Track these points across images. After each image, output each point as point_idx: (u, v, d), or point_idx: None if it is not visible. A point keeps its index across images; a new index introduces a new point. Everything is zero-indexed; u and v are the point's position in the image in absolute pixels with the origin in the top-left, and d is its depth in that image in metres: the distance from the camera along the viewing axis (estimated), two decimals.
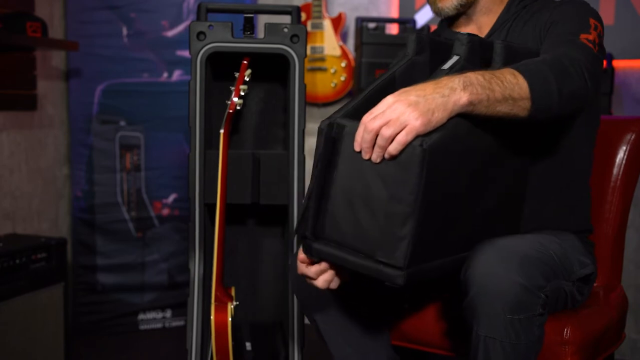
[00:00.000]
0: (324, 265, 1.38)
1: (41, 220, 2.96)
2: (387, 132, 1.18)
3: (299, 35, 2.18)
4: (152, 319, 3.13)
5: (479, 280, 1.28)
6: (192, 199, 2.20)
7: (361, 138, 1.21)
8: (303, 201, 1.33)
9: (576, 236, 1.59)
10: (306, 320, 1.84)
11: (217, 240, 2.08)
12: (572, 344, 1.43)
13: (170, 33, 3.07)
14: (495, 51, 1.38)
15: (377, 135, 1.19)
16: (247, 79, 2.12)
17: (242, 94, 2.11)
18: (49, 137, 3.00)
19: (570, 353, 1.43)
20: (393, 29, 3.22)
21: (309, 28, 3.10)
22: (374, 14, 3.23)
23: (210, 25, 2.17)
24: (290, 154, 2.21)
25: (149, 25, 3.04)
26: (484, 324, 1.29)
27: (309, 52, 3.06)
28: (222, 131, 2.09)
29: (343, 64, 3.12)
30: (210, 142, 2.23)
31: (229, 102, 2.10)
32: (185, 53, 2.99)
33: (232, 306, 2.07)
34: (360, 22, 3.08)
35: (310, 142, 2.47)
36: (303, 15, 3.07)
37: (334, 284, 1.40)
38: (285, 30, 2.18)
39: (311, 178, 1.30)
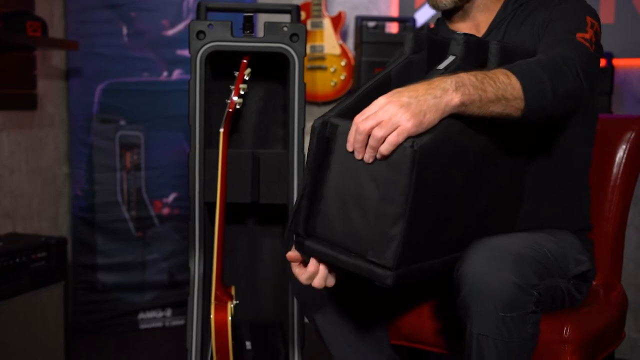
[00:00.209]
0: (313, 267, 1.37)
1: (41, 220, 2.96)
2: (379, 133, 1.18)
3: (299, 34, 2.18)
4: (152, 318, 3.13)
5: (471, 278, 1.28)
6: (192, 198, 2.20)
7: (353, 138, 1.22)
8: (296, 199, 1.33)
9: (574, 234, 1.59)
10: (306, 320, 1.84)
11: (217, 240, 2.08)
12: (571, 343, 1.43)
13: (170, 32, 3.07)
14: (490, 52, 1.38)
15: (369, 136, 1.20)
16: (247, 78, 2.12)
17: (242, 93, 2.11)
18: (49, 136, 3.00)
19: (570, 352, 1.43)
20: (393, 28, 3.22)
21: (308, 27, 3.10)
22: (374, 12, 3.23)
23: (210, 25, 2.17)
24: (290, 153, 2.21)
25: (149, 25, 3.04)
26: (476, 322, 1.29)
27: (308, 51, 3.06)
28: (221, 130, 2.09)
29: (343, 63, 3.12)
30: (210, 141, 2.23)
31: (229, 101, 2.10)
32: (185, 52, 2.99)
33: (232, 305, 2.07)
34: (360, 20, 3.08)
35: None
36: (303, 14, 3.07)
37: (330, 282, 1.39)
38: (285, 29, 2.18)
39: (304, 176, 1.30)
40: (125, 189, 3.08)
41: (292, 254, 1.39)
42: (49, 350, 2.46)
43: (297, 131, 2.21)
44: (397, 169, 1.19)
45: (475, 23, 1.66)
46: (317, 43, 3.11)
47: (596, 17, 1.53)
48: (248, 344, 2.35)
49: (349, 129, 1.23)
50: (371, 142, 1.19)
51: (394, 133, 1.18)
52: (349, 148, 1.23)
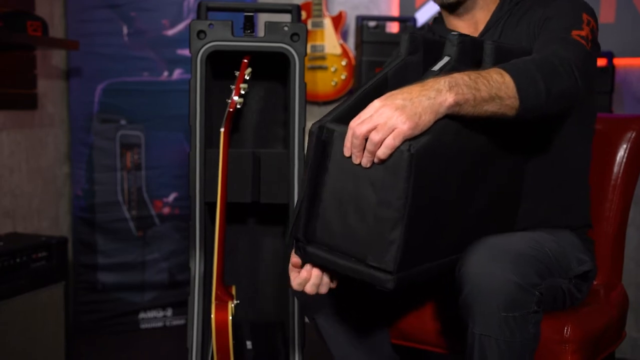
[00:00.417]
0: (306, 273, 1.37)
1: (41, 219, 2.96)
2: (376, 137, 1.18)
3: (299, 34, 2.18)
4: (152, 318, 3.13)
5: (473, 278, 1.28)
6: (193, 198, 2.20)
7: (350, 143, 1.22)
8: (295, 204, 1.33)
9: (574, 233, 1.59)
10: (306, 320, 1.84)
11: (218, 239, 2.08)
12: (572, 343, 1.43)
13: (171, 32, 3.06)
14: (485, 52, 1.37)
15: (365, 140, 1.20)
16: (248, 78, 2.12)
17: (243, 92, 2.11)
18: (49, 136, 3.00)
19: (570, 351, 1.43)
20: (393, 28, 3.22)
21: (309, 26, 3.10)
22: (375, 12, 3.23)
23: (210, 24, 2.17)
24: (291, 152, 2.21)
25: (150, 24, 3.04)
26: (478, 322, 1.29)
27: (309, 50, 3.06)
28: (222, 130, 2.09)
29: (343, 63, 3.12)
30: (210, 141, 2.23)
31: (229, 101, 2.10)
32: (186, 52, 2.99)
33: (233, 305, 2.07)
34: (361, 20, 3.08)
35: None
36: (303, 14, 3.07)
37: (323, 289, 1.39)
38: (286, 28, 2.18)
39: (302, 181, 1.30)
40: (126, 188, 3.08)
41: (295, 260, 1.38)
42: (50, 350, 2.46)
43: (297, 131, 2.21)
44: (394, 173, 1.19)
45: (474, 21, 1.66)
46: (318, 43, 3.11)
47: (592, 13, 1.52)
48: (249, 344, 2.35)
49: (345, 133, 1.23)
50: (369, 146, 1.19)
51: (390, 136, 1.17)
52: (346, 153, 1.23)
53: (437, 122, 1.21)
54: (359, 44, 3.09)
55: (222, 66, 2.24)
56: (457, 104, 1.22)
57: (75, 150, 3.04)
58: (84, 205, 3.04)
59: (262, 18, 3.14)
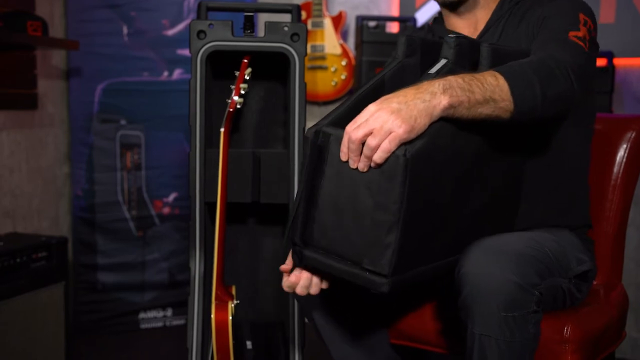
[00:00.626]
0: (295, 278, 1.39)
1: (41, 219, 2.96)
2: (372, 141, 1.18)
3: (300, 34, 2.18)
4: (152, 318, 3.13)
5: (473, 279, 1.28)
6: (193, 198, 2.20)
7: (347, 148, 1.22)
8: (291, 209, 1.33)
9: (574, 233, 1.59)
10: (306, 320, 1.84)
11: (218, 239, 2.08)
12: (572, 343, 1.43)
13: (171, 32, 3.06)
14: (481, 54, 1.37)
15: (362, 144, 1.20)
16: (248, 78, 2.12)
17: (243, 92, 2.11)
18: (49, 136, 3.00)
19: (570, 351, 1.43)
20: (393, 28, 3.22)
21: (309, 26, 3.10)
22: (375, 12, 3.23)
23: (210, 24, 2.17)
24: (291, 152, 2.21)
25: (150, 24, 3.04)
26: (478, 322, 1.29)
27: (309, 50, 3.06)
28: (222, 130, 2.09)
29: (343, 63, 3.12)
30: (210, 141, 2.23)
31: (229, 101, 2.10)
32: (186, 52, 2.99)
33: (233, 305, 2.07)
34: (361, 20, 3.08)
35: None
36: (303, 14, 3.07)
37: (314, 290, 1.40)
38: (286, 28, 2.18)
39: (299, 185, 1.30)
40: (126, 188, 3.08)
41: (284, 267, 1.40)
42: (50, 350, 2.46)
43: (297, 131, 2.20)
44: (390, 177, 1.19)
45: (474, 20, 1.66)
46: (318, 43, 3.11)
47: (590, 14, 1.52)
48: (249, 344, 2.35)
49: (341, 137, 1.23)
50: (365, 151, 1.19)
51: (387, 140, 1.18)
52: (343, 158, 1.23)
53: (432, 125, 1.22)
54: (359, 44, 3.09)
55: (222, 66, 2.24)
56: (451, 106, 1.22)
57: (75, 150, 3.04)
58: (84, 205, 3.04)
59: (262, 18, 3.14)
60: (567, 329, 1.43)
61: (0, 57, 2.61)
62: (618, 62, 2.89)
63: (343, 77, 3.13)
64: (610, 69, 2.81)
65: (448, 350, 1.59)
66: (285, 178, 2.22)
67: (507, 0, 1.64)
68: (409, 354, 1.70)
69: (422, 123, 1.20)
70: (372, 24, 3.09)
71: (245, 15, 2.21)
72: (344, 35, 3.23)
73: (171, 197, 3.12)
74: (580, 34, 1.45)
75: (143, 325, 3.12)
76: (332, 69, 3.12)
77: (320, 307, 1.61)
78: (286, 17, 2.64)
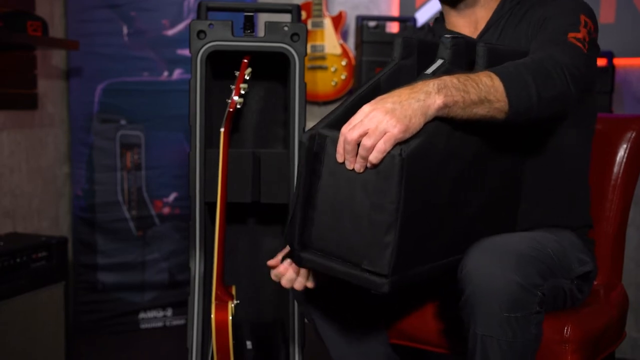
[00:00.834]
0: (282, 269, 1.44)
1: (41, 219, 2.96)
2: (368, 142, 1.19)
3: (300, 34, 2.18)
4: (152, 318, 3.13)
5: (475, 279, 1.28)
6: (193, 198, 2.20)
7: (343, 149, 1.22)
8: (289, 211, 1.33)
9: (575, 233, 1.59)
10: (306, 320, 1.84)
11: (218, 239, 2.08)
12: (572, 343, 1.43)
13: (171, 32, 3.06)
14: (478, 54, 1.37)
15: (357, 145, 1.20)
16: (248, 78, 2.12)
17: (243, 92, 2.11)
18: (49, 136, 3.00)
19: (570, 351, 1.43)
20: (393, 28, 3.22)
21: (309, 26, 3.10)
22: (375, 12, 3.23)
23: (210, 24, 2.17)
24: (291, 152, 2.21)
25: (150, 24, 3.04)
26: (481, 322, 1.29)
27: (309, 50, 3.06)
28: (222, 130, 2.09)
29: (343, 63, 3.12)
30: (210, 141, 2.23)
31: (229, 101, 2.10)
32: (186, 52, 2.99)
33: (233, 305, 2.07)
34: (361, 20, 3.08)
35: None
36: (303, 14, 3.07)
37: (297, 285, 1.45)
38: (286, 28, 2.18)
39: (296, 188, 1.31)
40: (126, 188, 3.08)
41: (272, 262, 1.45)
42: (50, 350, 2.46)
43: (297, 131, 2.21)
44: (386, 177, 1.19)
45: (475, 19, 1.65)
46: (318, 43, 3.11)
47: (591, 14, 1.51)
48: (249, 344, 2.35)
49: (337, 139, 1.23)
50: (361, 151, 1.20)
51: (382, 141, 1.18)
52: (339, 159, 1.24)
53: (427, 124, 1.22)
54: (359, 44, 3.09)
55: (222, 66, 2.24)
56: (445, 105, 1.22)
57: (75, 150, 3.04)
58: (84, 205, 3.04)
59: (262, 18, 3.14)
60: (567, 329, 1.43)
61: (0, 57, 2.61)
62: (618, 62, 2.89)
63: (343, 77, 3.13)
64: (610, 69, 2.81)
65: (449, 351, 1.59)
66: (285, 178, 2.22)
67: (509, 0, 1.63)
68: (408, 354, 1.70)
69: (417, 122, 1.20)
70: (372, 24, 3.09)
71: (245, 15, 2.21)
72: (344, 35, 3.23)
73: (171, 197, 3.12)
74: (579, 35, 1.45)
75: (143, 325, 3.12)
76: (332, 69, 3.12)
77: (319, 308, 1.61)
78: (286, 17, 2.64)
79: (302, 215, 1.30)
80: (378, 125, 1.18)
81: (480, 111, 1.27)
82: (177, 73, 3.08)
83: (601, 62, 2.83)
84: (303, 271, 1.44)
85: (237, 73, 2.11)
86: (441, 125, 1.24)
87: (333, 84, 3.14)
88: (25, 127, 2.84)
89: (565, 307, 1.51)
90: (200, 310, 2.21)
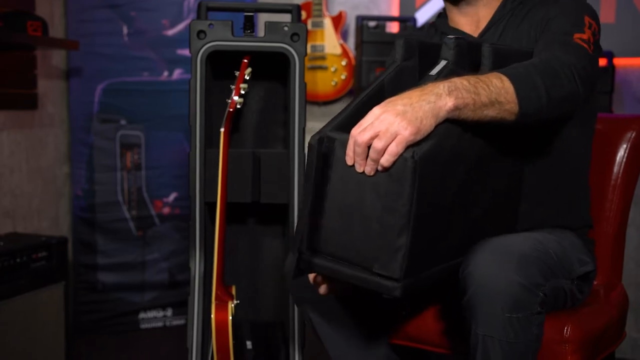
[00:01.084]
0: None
1: (41, 219, 2.96)
2: (379, 144, 1.18)
3: (299, 34, 2.18)
4: (152, 318, 3.13)
5: (477, 279, 1.28)
6: (193, 198, 2.20)
7: (353, 152, 1.21)
8: (297, 216, 1.33)
9: (575, 233, 1.59)
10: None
11: (218, 239, 2.08)
12: (572, 343, 1.43)
13: (171, 32, 3.06)
14: (483, 54, 1.37)
15: (368, 148, 1.19)
16: (248, 78, 2.12)
17: (243, 92, 2.11)
18: (49, 136, 3.00)
19: (570, 351, 1.43)
20: (393, 28, 3.22)
21: (309, 26, 3.10)
22: (375, 12, 3.23)
23: (210, 24, 2.17)
24: (291, 152, 2.21)
25: (150, 24, 3.04)
26: (482, 323, 1.28)
27: (309, 50, 3.06)
28: (222, 130, 2.09)
29: (343, 63, 3.12)
30: (210, 141, 2.23)
31: (229, 101, 2.10)
32: (186, 52, 2.99)
33: (233, 305, 2.07)
34: (361, 20, 3.08)
35: None
36: (303, 14, 3.07)
37: (323, 290, 1.45)
38: (286, 28, 2.18)
39: (304, 192, 1.30)
40: (126, 188, 3.08)
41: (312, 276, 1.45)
42: (50, 350, 2.45)
43: (297, 131, 2.21)
44: (398, 180, 1.18)
45: (477, 18, 1.65)
46: (318, 43, 3.11)
47: (595, 16, 1.52)
48: (249, 344, 2.35)
49: (346, 142, 1.22)
50: (372, 154, 1.19)
51: (393, 143, 1.17)
52: (349, 162, 1.23)
53: (438, 126, 1.21)
54: (359, 44, 3.09)
55: (222, 66, 2.24)
56: (456, 108, 1.22)
57: (75, 150, 3.04)
58: (84, 205, 3.04)
59: (262, 18, 3.14)
60: (567, 329, 1.43)
61: (0, 57, 2.61)
62: (618, 62, 2.89)
63: (343, 77, 3.13)
64: (610, 69, 2.81)
65: (451, 351, 1.59)
66: (285, 178, 2.22)
67: (510, 0, 1.63)
68: (408, 354, 1.70)
69: (428, 124, 1.20)
70: (372, 24, 3.08)
71: (245, 15, 2.21)
72: (344, 35, 3.23)
73: (171, 197, 3.12)
74: (584, 36, 1.45)
75: (143, 325, 3.12)
76: (332, 69, 3.12)
77: (319, 308, 1.61)
78: (286, 17, 2.64)
79: (311, 219, 1.28)
80: (389, 128, 1.17)
81: (491, 113, 1.26)
82: (177, 73, 3.08)
83: (601, 62, 2.82)
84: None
85: (237, 73, 2.11)
86: (451, 127, 1.24)
87: (333, 84, 3.14)
88: (25, 127, 2.84)
89: (565, 308, 1.51)
90: (200, 310, 2.21)
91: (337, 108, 3.21)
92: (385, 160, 1.18)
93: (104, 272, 3.07)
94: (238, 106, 2.11)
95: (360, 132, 1.20)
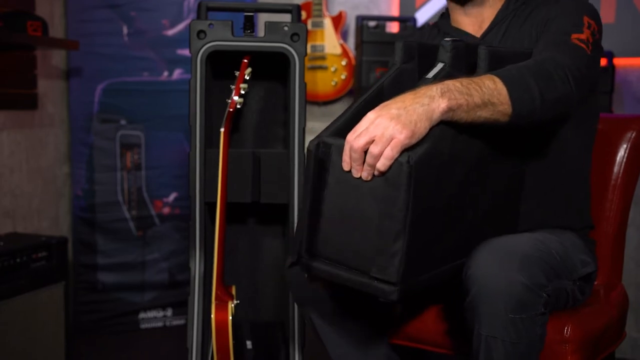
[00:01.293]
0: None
1: (41, 219, 2.96)
2: (375, 149, 1.18)
3: (300, 34, 2.18)
4: (152, 318, 3.13)
5: (480, 280, 1.28)
6: (193, 198, 2.20)
7: (349, 157, 1.22)
8: (297, 217, 1.33)
9: (576, 234, 1.59)
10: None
11: (218, 239, 2.08)
12: (572, 343, 1.43)
13: (171, 32, 3.06)
14: (479, 56, 1.37)
15: (364, 153, 1.20)
16: (248, 78, 2.12)
17: (243, 92, 2.11)
18: (49, 136, 3.00)
19: (570, 351, 1.43)
20: (393, 28, 3.22)
21: (309, 26, 3.10)
22: (375, 12, 3.23)
23: (210, 24, 2.17)
24: (291, 152, 2.21)
25: (150, 24, 3.04)
26: (485, 323, 1.28)
27: (309, 50, 3.06)
28: (222, 130, 2.09)
29: (343, 63, 3.12)
30: (210, 141, 2.23)
31: (229, 101, 2.10)
32: (186, 52, 2.99)
33: (233, 305, 2.07)
34: (361, 20, 3.08)
35: None
36: (303, 14, 3.07)
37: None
38: (286, 28, 2.18)
39: (303, 197, 1.30)
40: (126, 188, 3.08)
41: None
42: (50, 350, 2.45)
43: (297, 131, 2.21)
44: (394, 184, 1.19)
45: (480, 19, 1.65)
46: (318, 43, 3.11)
47: (595, 16, 1.51)
48: (249, 344, 2.35)
49: (342, 147, 1.23)
50: (368, 159, 1.20)
51: (389, 147, 1.18)
52: (345, 167, 1.23)
53: (432, 129, 1.22)
54: (359, 44, 3.09)
55: (222, 66, 2.24)
56: (450, 109, 1.22)
57: (75, 150, 3.04)
58: (84, 205, 3.04)
59: (262, 18, 3.14)
60: (567, 329, 1.43)
61: (0, 57, 2.61)
62: (618, 62, 2.89)
63: (343, 77, 3.13)
64: (610, 69, 2.81)
65: (453, 351, 1.59)
66: (285, 178, 2.22)
67: (513, 0, 1.63)
68: (407, 353, 1.70)
69: (423, 127, 1.20)
70: (372, 24, 3.08)
71: (245, 15, 2.21)
72: (344, 35, 3.23)
73: (171, 197, 3.12)
74: (583, 36, 1.44)
75: (143, 325, 3.12)
76: (332, 69, 3.12)
77: (319, 308, 1.61)
78: (286, 17, 2.63)
79: (310, 223, 1.29)
80: (384, 132, 1.18)
81: (484, 114, 1.27)
82: (177, 73, 3.08)
83: (601, 62, 2.82)
84: None
85: (237, 73, 2.11)
86: (446, 129, 1.24)
87: (333, 84, 3.14)
88: (25, 127, 2.84)
89: (565, 308, 1.51)
90: (200, 310, 2.21)
91: (337, 108, 3.21)
92: (382, 164, 1.19)
93: (104, 272, 3.07)
94: (238, 106, 2.11)
95: (356, 138, 1.20)
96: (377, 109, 1.22)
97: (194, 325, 2.21)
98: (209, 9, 2.24)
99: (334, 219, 1.27)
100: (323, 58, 3.11)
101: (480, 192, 1.39)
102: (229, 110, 2.10)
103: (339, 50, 3.11)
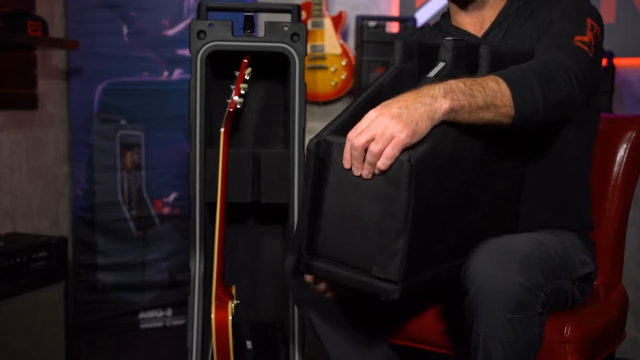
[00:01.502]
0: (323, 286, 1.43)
1: (41, 219, 2.96)
2: (375, 148, 1.18)
3: (300, 34, 2.18)
4: (152, 318, 3.13)
5: (479, 280, 1.28)
6: (193, 198, 2.20)
7: (350, 155, 1.22)
8: (297, 217, 1.33)
9: (576, 234, 1.59)
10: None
11: (218, 239, 2.08)
12: (572, 343, 1.43)
13: (171, 32, 3.06)
14: (481, 56, 1.37)
15: (365, 151, 1.20)
16: (248, 78, 2.12)
17: (243, 92, 2.11)
18: (49, 136, 3.00)
19: (570, 351, 1.43)
20: (393, 28, 3.22)
21: (309, 26, 3.10)
22: (375, 12, 3.23)
23: (210, 24, 2.17)
24: (291, 152, 2.21)
25: (150, 24, 3.04)
26: (483, 323, 1.28)
27: (309, 50, 3.06)
28: (222, 130, 2.09)
29: (343, 63, 3.12)
30: (210, 141, 2.23)
31: (229, 101, 2.10)
32: (186, 52, 2.99)
33: (233, 305, 2.07)
34: (361, 20, 3.08)
35: None
36: (303, 14, 3.07)
37: (322, 287, 1.45)
38: (286, 28, 2.18)
39: (303, 196, 1.30)
40: (126, 188, 3.08)
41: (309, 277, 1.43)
42: (50, 350, 2.45)
43: (297, 131, 2.21)
44: (395, 183, 1.19)
45: (482, 19, 1.65)
46: (318, 43, 3.11)
47: (597, 18, 1.51)
48: (249, 344, 2.35)
49: (343, 145, 1.23)
50: (369, 157, 1.19)
51: (390, 146, 1.17)
52: (346, 165, 1.23)
53: (434, 129, 1.21)
54: (359, 44, 3.09)
55: (222, 66, 2.24)
56: (452, 110, 1.22)
57: (75, 150, 3.04)
58: (84, 205, 3.04)
59: (262, 18, 3.14)
60: (567, 329, 1.43)
61: (0, 57, 2.61)
62: (618, 62, 2.89)
63: (343, 77, 3.13)
64: (610, 69, 2.81)
65: (452, 351, 1.59)
66: (285, 178, 2.22)
67: (515, 0, 1.63)
68: (407, 353, 1.70)
69: (424, 127, 1.19)
70: (372, 24, 3.09)
71: (245, 15, 2.21)
72: (344, 35, 3.23)
73: (171, 197, 3.12)
74: (585, 38, 1.44)
75: (143, 325, 3.12)
76: (332, 69, 3.12)
77: (318, 308, 1.61)
78: (286, 17, 2.63)
79: (310, 222, 1.29)
80: (385, 131, 1.17)
81: (487, 115, 1.26)
82: (177, 73, 3.08)
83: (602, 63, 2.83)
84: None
85: (237, 73, 2.11)
86: (447, 129, 1.24)
87: (333, 84, 3.14)
88: (25, 127, 2.84)
89: (565, 308, 1.51)
90: (200, 310, 2.21)
91: (337, 108, 3.21)
92: (382, 163, 1.18)
93: (104, 272, 3.07)
94: (238, 106, 2.11)
95: (357, 136, 1.20)
96: (378, 107, 1.21)
97: (194, 325, 2.21)
98: (209, 9, 2.24)
99: (335, 218, 1.27)
100: (323, 58, 3.11)
101: (480, 193, 1.39)
102: (229, 110, 2.10)
103: (339, 50, 3.11)
